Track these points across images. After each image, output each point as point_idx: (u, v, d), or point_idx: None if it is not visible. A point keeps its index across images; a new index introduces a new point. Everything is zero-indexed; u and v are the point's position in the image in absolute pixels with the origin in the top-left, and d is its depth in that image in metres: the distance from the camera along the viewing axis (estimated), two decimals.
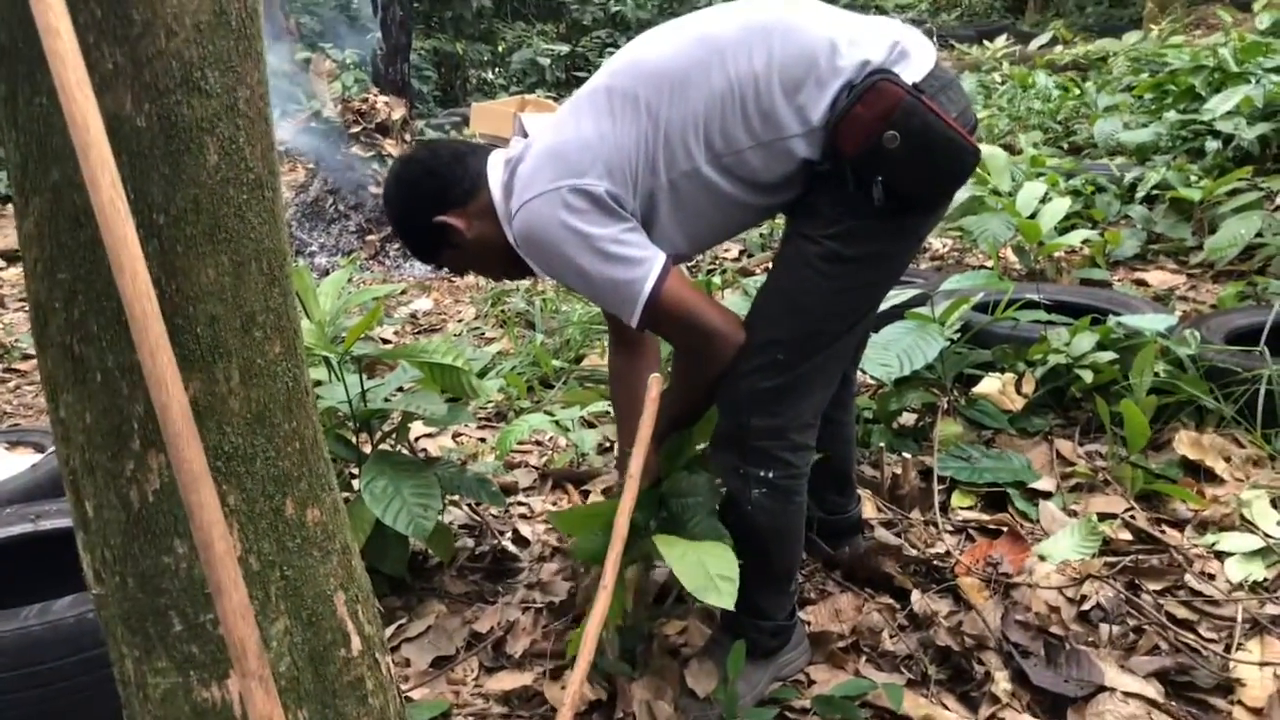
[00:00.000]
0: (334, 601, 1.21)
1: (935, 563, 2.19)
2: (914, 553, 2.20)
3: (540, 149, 1.60)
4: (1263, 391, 2.42)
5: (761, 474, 1.65)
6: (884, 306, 2.76)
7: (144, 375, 0.84)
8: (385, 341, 4.23)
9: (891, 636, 1.96)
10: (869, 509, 2.38)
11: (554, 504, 2.62)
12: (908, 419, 2.83)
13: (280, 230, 1.15)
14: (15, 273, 5.97)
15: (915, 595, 2.06)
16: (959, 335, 2.83)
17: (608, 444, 2.94)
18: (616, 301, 1.56)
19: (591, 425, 2.97)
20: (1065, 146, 5.87)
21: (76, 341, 1.04)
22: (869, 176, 1.51)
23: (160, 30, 0.98)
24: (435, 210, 1.70)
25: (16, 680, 1.64)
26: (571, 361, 3.57)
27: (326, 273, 5.25)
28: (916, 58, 1.54)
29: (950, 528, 2.37)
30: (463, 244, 1.73)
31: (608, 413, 2.86)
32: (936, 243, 4.85)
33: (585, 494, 2.64)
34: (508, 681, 1.86)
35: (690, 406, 1.78)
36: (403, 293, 5.07)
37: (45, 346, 1.08)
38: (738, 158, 1.55)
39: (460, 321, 4.47)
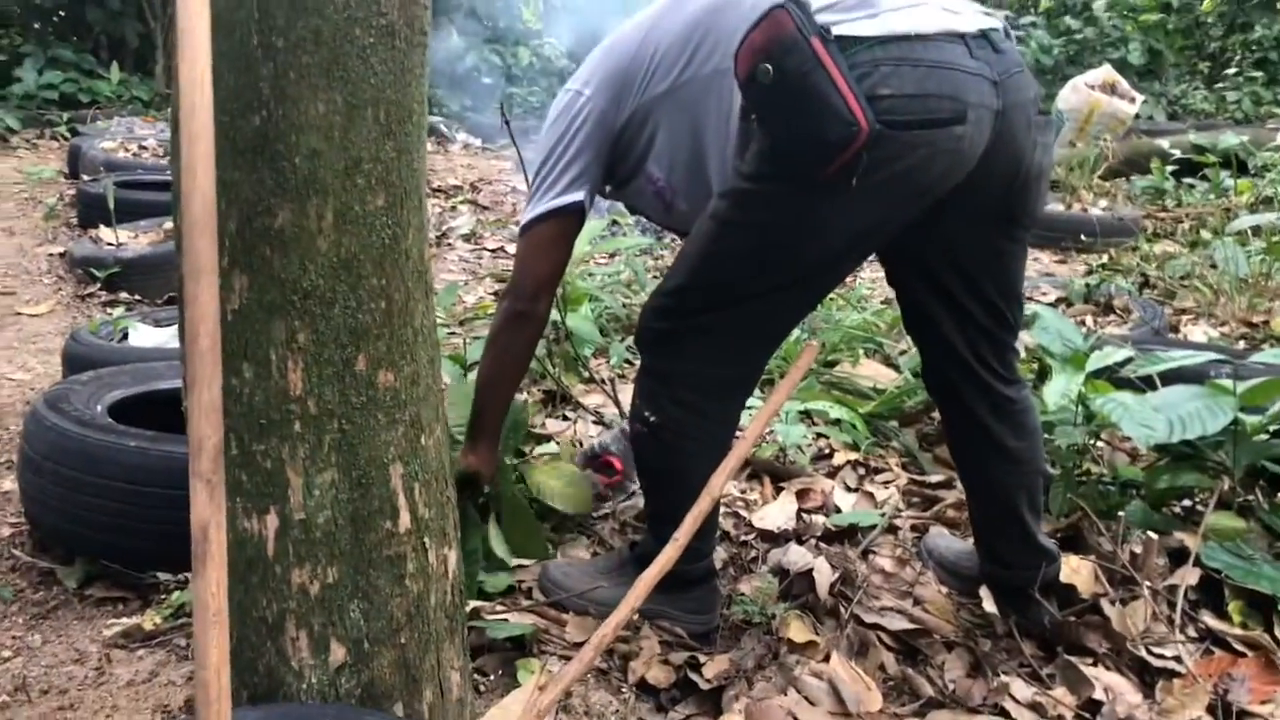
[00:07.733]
0: (389, 471, 1.18)
1: (1155, 662, 1.80)
2: (1134, 644, 1.82)
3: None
4: None
5: (645, 413, 1.67)
6: (1169, 366, 2.34)
7: (179, 160, 0.85)
8: None
9: None
10: (1086, 582, 2.00)
11: None
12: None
13: (410, 87, 1.14)
14: None
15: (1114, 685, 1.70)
16: (1271, 424, 2.30)
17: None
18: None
19: None
20: None
21: None
22: (749, 112, 1.47)
23: None
24: None
25: None
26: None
27: None
28: (895, 15, 1.36)
29: (1193, 633, 1.93)
30: None
31: None
32: None
33: None
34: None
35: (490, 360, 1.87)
36: None
37: None
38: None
39: None
